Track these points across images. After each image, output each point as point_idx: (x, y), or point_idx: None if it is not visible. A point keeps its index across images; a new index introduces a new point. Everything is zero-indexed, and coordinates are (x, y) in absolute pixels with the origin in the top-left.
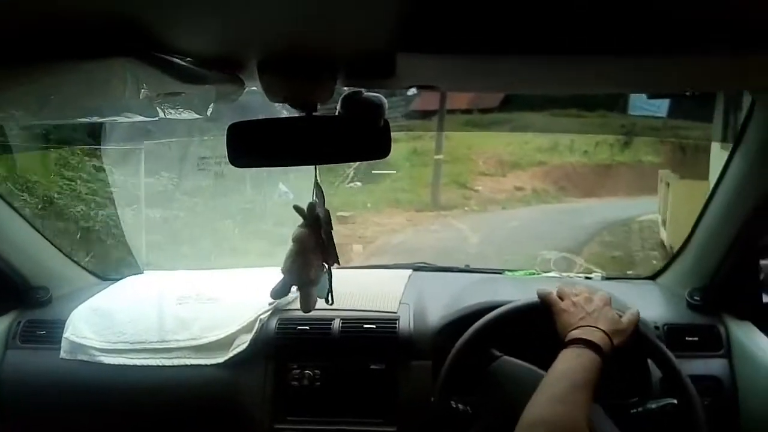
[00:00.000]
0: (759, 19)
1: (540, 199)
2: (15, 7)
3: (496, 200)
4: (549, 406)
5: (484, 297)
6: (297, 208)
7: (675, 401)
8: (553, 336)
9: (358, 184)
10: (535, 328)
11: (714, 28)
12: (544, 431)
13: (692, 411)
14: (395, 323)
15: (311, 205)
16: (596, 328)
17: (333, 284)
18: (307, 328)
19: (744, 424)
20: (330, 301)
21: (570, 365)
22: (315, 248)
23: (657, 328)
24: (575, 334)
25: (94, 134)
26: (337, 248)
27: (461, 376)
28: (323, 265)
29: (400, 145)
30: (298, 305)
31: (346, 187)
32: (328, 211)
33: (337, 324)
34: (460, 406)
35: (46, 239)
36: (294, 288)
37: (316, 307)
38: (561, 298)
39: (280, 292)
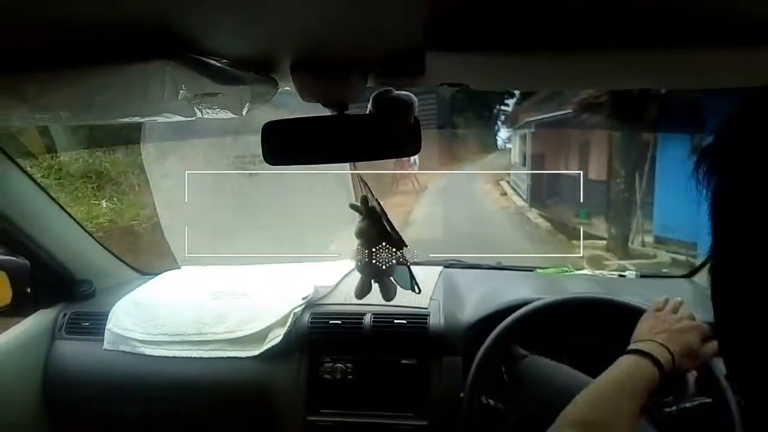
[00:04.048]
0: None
1: None
2: (63, 15)
3: None
4: (594, 408)
5: (516, 294)
6: (353, 206)
7: (710, 400)
8: (583, 334)
9: None
10: (565, 326)
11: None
12: (583, 431)
13: (728, 411)
14: (426, 319)
15: (364, 199)
16: (664, 346)
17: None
18: (339, 322)
19: None
20: (417, 290)
21: (625, 372)
22: (379, 238)
23: None
24: (640, 345)
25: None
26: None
27: (491, 372)
28: (393, 253)
29: None
30: (330, 300)
31: None
32: (378, 201)
33: (368, 319)
34: (491, 402)
35: (90, 235)
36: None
37: (349, 301)
38: (658, 309)
39: (362, 291)
